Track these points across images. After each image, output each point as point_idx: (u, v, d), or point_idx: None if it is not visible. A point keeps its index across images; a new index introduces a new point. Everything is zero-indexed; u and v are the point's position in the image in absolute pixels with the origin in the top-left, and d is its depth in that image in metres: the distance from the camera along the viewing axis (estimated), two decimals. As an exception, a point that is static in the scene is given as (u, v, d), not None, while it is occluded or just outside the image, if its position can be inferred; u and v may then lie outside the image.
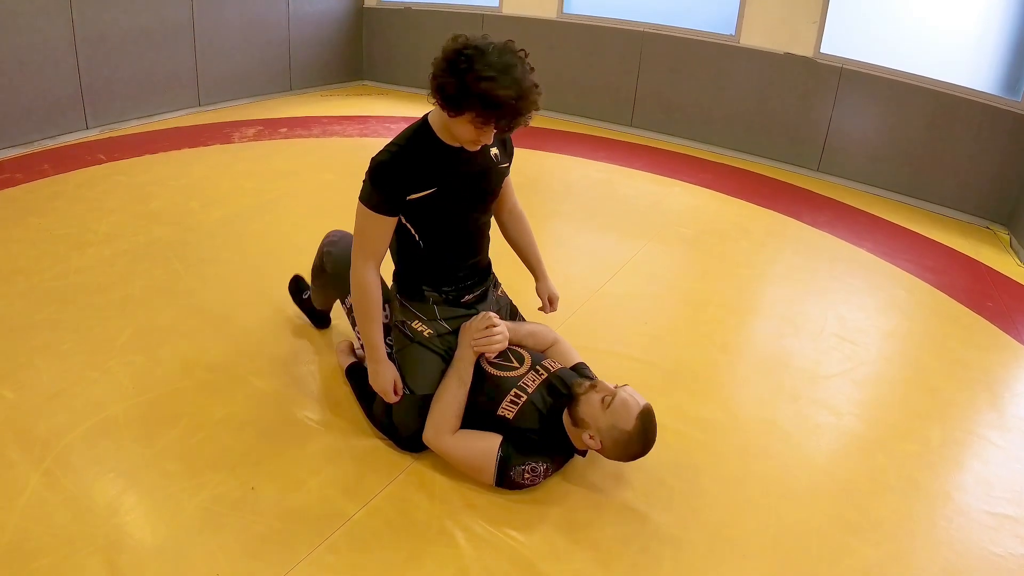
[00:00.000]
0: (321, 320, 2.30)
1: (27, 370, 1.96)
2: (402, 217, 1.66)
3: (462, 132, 1.53)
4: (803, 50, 4.55)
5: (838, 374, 2.35)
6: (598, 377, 1.82)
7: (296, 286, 2.32)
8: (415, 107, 5.56)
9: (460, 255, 1.78)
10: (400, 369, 1.75)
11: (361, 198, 1.62)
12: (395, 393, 1.71)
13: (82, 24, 4.01)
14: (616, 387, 1.62)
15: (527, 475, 1.61)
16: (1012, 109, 3.93)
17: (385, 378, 1.70)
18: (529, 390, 1.68)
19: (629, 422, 1.56)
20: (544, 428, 1.65)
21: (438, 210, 1.65)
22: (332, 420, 1.88)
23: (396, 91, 6.14)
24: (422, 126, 1.63)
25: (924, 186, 4.32)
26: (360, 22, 6.12)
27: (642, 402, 1.60)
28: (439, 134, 1.61)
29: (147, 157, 3.85)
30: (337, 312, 2.26)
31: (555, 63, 5.36)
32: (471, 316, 1.77)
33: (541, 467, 1.62)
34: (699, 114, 5.01)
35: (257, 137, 4.39)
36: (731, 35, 4.79)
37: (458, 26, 6.10)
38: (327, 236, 2.04)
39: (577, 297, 2.65)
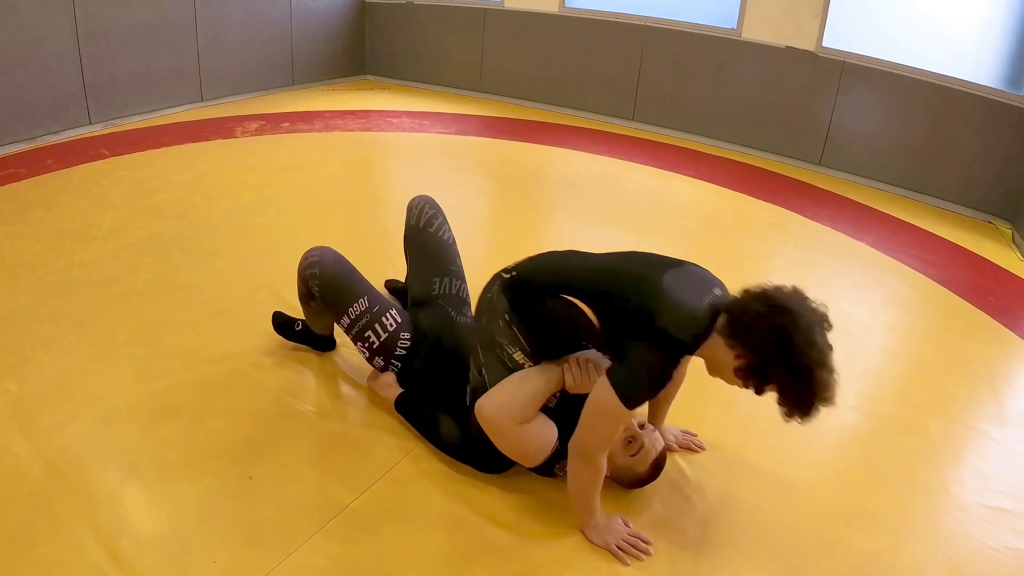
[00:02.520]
0: (325, 344, 2.12)
1: (31, 363, 1.99)
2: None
3: (729, 378, 1.38)
4: (805, 44, 4.53)
5: (838, 367, 2.35)
6: None
7: (280, 321, 2.13)
8: (417, 101, 5.57)
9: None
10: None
11: (622, 391, 1.36)
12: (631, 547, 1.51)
13: (85, 19, 4.03)
14: (643, 428, 1.59)
15: (564, 470, 1.58)
16: (1015, 103, 3.90)
17: (609, 530, 1.52)
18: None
19: (644, 467, 1.59)
20: (568, 425, 1.63)
21: None
22: (331, 412, 1.89)
23: (398, 85, 6.15)
24: (705, 331, 1.39)
25: (927, 180, 4.31)
26: (362, 17, 6.12)
27: (660, 446, 1.61)
28: (704, 347, 1.40)
29: (150, 152, 3.86)
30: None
31: (557, 57, 5.36)
32: (565, 353, 1.62)
33: None
34: (701, 108, 5.01)
35: (259, 132, 4.41)
36: (733, 29, 4.77)
37: (460, 20, 6.14)
38: (304, 258, 1.86)
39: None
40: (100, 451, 1.68)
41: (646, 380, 1.37)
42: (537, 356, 1.60)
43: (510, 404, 1.52)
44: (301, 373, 2.05)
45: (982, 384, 2.36)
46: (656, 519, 1.62)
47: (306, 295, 1.90)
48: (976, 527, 1.70)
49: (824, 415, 2.04)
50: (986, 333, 2.71)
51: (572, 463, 1.49)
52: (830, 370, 1.31)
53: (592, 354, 1.62)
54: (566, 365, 1.57)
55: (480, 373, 1.63)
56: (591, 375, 1.56)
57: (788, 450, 1.92)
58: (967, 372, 2.43)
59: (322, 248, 1.87)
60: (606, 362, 1.55)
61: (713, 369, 1.45)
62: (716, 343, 1.39)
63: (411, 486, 1.65)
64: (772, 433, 1.98)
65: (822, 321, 1.34)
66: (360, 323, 1.81)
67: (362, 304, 1.81)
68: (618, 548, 1.50)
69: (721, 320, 1.39)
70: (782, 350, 1.29)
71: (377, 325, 1.81)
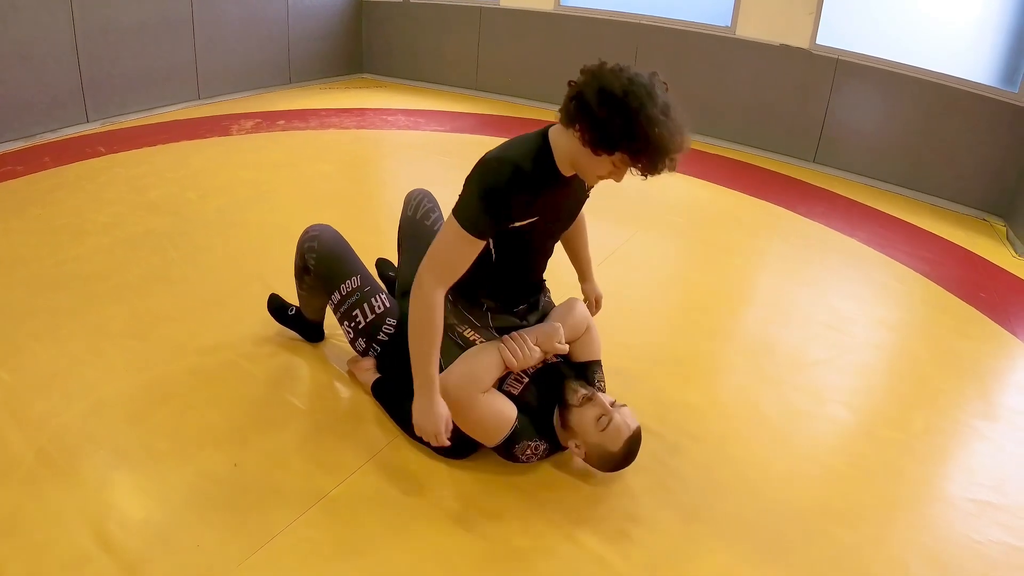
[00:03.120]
0: (314, 333, 2.16)
1: (25, 353, 2.02)
2: None
3: (595, 169, 1.43)
4: (799, 41, 4.55)
5: (823, 361, 2.37)
6: (603, 381, 1.85)
7: (276, 305, 2.17)
8: (413, 99, 5.60)
9: (527, 272, 1.75)
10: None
11: (461, 218, 1.44)
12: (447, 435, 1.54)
13: (83, 18, 4.06)
14: (614, 405, 1.62)
15: (528, 452, 1.64)
16: (1010, 101, 3.92)
17: (438, 416, 1.51)
18: (531, 372, 1.71)
19: (617, 444, 1.60)
20: (540, 412, 1.68)
21: (526, 235, 1.57)
22: (316, 402, 1.92)
23: (395, 84, 6.18)
24: (542, 148, 1.48)
25: (921, 178, 4.32)
26: (359, 15, 6.15)
27: (633, 425, 1.62)
28: (558, 161, 1.48)
29: (146, 149, 3.90)
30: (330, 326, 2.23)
31: (552, 55, 5.37)
32: (522, 327, 1.72)
33: (542, 447, 1.66)
34: (695, 105, 4.97)
35: (255, 129, 4.44)
36: (727, 27, 4.80)
37: (456, 19, 6.16)
38: (305, 232, 1.90)
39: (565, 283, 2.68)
40: (91, 439, 1.71)
41: (477, 203, 1.43)
42: (484, 326, 1.70)
43: (468, 374, 1.58)
44: (289, 364, 2.08)
45: (970, 379, 2.37)
46: (638, 510, 1.63)
47: (302, 269, 1.92)
48: (960, 520, 1.70)
49: (806, 407, 2.09)
50: (976, 329, 2.72)
51: (410, 299, 1.51)
52: (661, 112, 1.33)
53: (533, 328, 1.70)
54: (500, 345, 1.64)
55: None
56: (526, 347, 1.62)
57: (772, 442, 1.93)
58: (955, 367, 2.44)
59: (323, 225, 1.92)
60: (548, 331, 1.66)
61: (578, 167, 1.48)
62: (560, 142, 1.47)
63: (390, 473, 1.67)
64: (755, 425, 2.00)
65: (649, 76, 1.37)
66: (350, 300, 1.85)
67: (354, 282, 1.85)
68: (424, 438, 1.55)
69: (556, 121, 1.46)
70: (602, 98, 1.32)
71: (366, 305, 1.84)
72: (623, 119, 1.32)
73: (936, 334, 2.68)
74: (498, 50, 5.71)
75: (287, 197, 3.37)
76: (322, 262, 1.86)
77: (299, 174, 3.70)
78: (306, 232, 1.91)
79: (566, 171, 1.50)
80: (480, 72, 5.85)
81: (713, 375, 2.27)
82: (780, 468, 1.83)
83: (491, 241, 1.58)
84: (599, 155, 1.38)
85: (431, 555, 1.46)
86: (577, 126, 1.38)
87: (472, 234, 1.45)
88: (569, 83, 1.41)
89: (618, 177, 1.44)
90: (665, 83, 1.39)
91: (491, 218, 1.45)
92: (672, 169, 1.39)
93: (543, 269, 1.81)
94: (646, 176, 1.40)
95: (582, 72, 1.39)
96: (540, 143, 1.48)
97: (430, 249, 1.51)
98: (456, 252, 1.48)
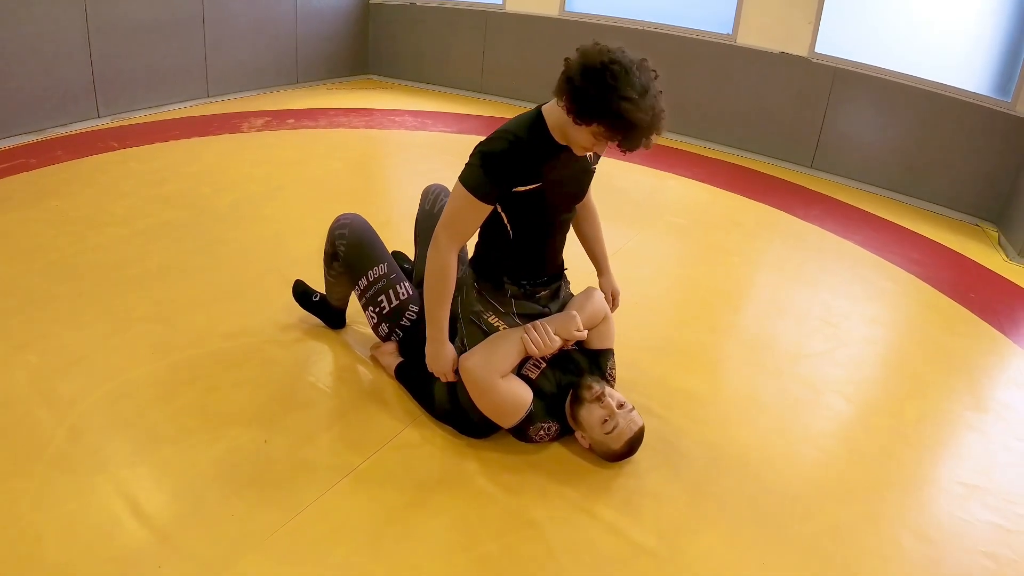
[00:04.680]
0: (337, 320, 2.23)
1: (50, 338, 2.07)
2: (498, 206, 1.68)
3: (579, 138, 1.54)
4: (798, 50, 4.66)
5: (819, 354, 2.45)
6: (615, 369, 1.92)
7: (300, 290, 2.24)
8: (420, 100, 5.68)
9: (544, 250, 1.82)
10: None
11: (465, 182, 1.60)
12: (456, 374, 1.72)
13: (95, 15, 4.12)
14: (622, 407, 1.70)
15: (541, 432, 1.73)
16: (1003, 110, 4.01)
17: (447, 358, 1.71)
18: (548, 358, 1.79)
19: (619, 444, 1.70)
20: (555, 397, 1.77)
21: (536, 205, 1.67)
22: (340, 385, 1.99)
23: (401, 85, 6.26)
24: (537, 119, 1.62)
25: (916, 184, 4.41)
26: (366, 17, 6.23)
27: (636, 427, 1.71)
28: (552, 131, 1.61)
29: (158, 145, 3.96)
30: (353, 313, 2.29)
31: (556, 60, 5.36)
32: (544, 315, 1.81)
33: (553, 428, 1.74)
34: (697, 111, 5.12)
35: (265, 127, 4.50)
36: (728, 34, 4.90)
37: (462, 23, 6.23)
38: (337, 220, 1.99)
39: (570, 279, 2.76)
40: (120, 417, 1.77)
41: (478, 168, 1.59)
42: (507, 312, 1.79)
43: (489, 357, 1.67)
44: (312, 349, 2.15)
45: (959, 374, 2.45)
46: (647, 486, 1.72)
47: (331, 255, 2.00)
48: (949, 501, 1.78)
49: (804, 395, 2.18)
50: (965, 327, 2.80)
51: (428, 254, 1.69)
52: (638, 92, 1.43)
53: (553, 317, 1.78)
54: (523, 334, 1.72)
55: (463, 343, 1.79)
56: (547, 335, 1.71)
57: (771, 427, 2.01)
58: (946, 362, 2.52)
59: (354, 214, 2.00)
60: (566, 319, 1.75)
61: (566, 137, 1.60)
62: (553, 114, 1.60)
63: (415, 450, 1.75)
64: (755, 411, 2.08)
65: (635, 58, 1.47)
66: (376, 286, 1.94)
67: (381, 269, 1.94)
68: (436, 375, 1.75)
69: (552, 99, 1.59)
70: (583, 71, 1.44)
71: (391, 291, 1.94)
72: (598, 91, 1.43)
73: (928, 331, 2.76)
74: (503, 54, 5.79)
75: (299, 193, 3.44)
76: (352, 249, 1.94)
77: (310, 171, 3.77)
78: (337, 220, 1.99)
79: (561, 140, 1.63)
80: (485, 75, 5.93)
81: (715, 365, 2.35)
82: (779, 450, 1.91)
83: (504, 215, 1.70)
84: (580, 125, 1.50)
85: (454, 524, 1.53)
86: (563, 98, 1.50)
87: (476, 196, 1.60)
88: (565, 59, 1.53)
89: (600, 149, 1.57)
90: (654, 71, 1.50)
91: (491, 180, 1.59)
92: (647, 147, 1.51)
93: (560, 249, 1.89)
94: (625, 151, 1.51)
95: (576, 50, 1.53)
96: (535, 116, 1.63)
97: (443, 212, 1.68)
98: (464, 214, 1.64)
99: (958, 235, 3.93)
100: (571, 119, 1.50)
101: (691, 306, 2.76)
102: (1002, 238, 3.90)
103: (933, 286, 3.16)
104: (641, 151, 1.51)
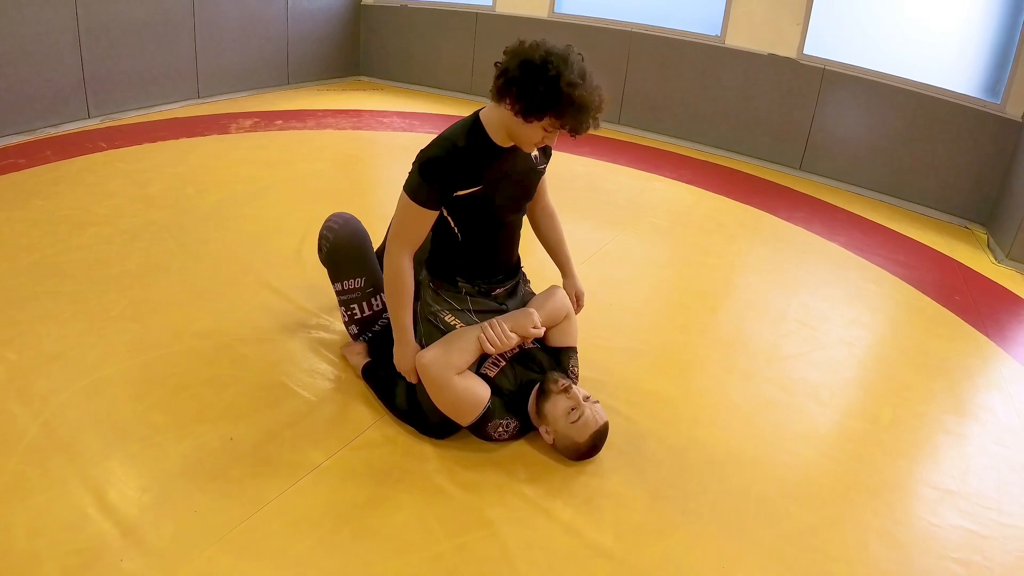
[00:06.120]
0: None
1: (29, 335, 2.10)
2: (444, 210, 1.72)
3: (529, 135, 1.58)
4: (787, 51, 4.68)
5: (795, 356, 2.46)
6: (578, 368, 1.94)
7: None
8: (409, 101, 5.70)
9: (495, 250, 1.85)
10: None
11: (407, 189, 1.66)
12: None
13: (86, 15, 4.15)
14: (586, 399, 1.72)
15: (500, 429, 1.75)
16: (992, 111, 4.02)
17: (412, 359, 1.74)
18: (507, 356, 1.82)
19: (583, 436, 1.70)
20: (515, 394, 1.79)
21: (480, 207, 1.71)
22: (308, 384, 2.01)
23: (391, 86, 6.29)
24: (474, 124, 1.67)
25: (905, 186, 4.43)
26: (357, 18, 6.26)
27: (601, 420, 1.72)
28: (491, 134, 1.65)
29: (146, 145, 3.99)
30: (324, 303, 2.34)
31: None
32: (501, 312, 1.83)
33: (512, 425, 1.76)
34: (685, 112, 5.15)
35: (253, 128, 4.53)
36: (717, 36, 4.92)
37: (452, 24, 6.25)
38: (328, 219, 2.01)
39: (547, 279, 2.78)
40: (92, 414, 1.79)
41: (417, 176, 1.64)
42: (464, 310, 1.82)
43: (445, 354, 1.69)
44: (283, 348, 2.17)
45: (939, 377, 2.43)
46: (608, 486, 1.72)
47: (318, 247, 2.05)
48: (920, 505, 1.77)
49: (776, 397, 2.19)
50: (948, 329, 2.80)
51: (383, 264, 1.75)
52: (579, 76, 1.49)
53: (510, 314, 1.80)
54: (479, 332, 1.74)
55: (423, 343, 1.82)
56: (503, 332, 1.72)
57: (741, 430, 2.02)
58: (925, 365, 2.50)
59: (346, 217, 2.01)
60: (523, 316, 1.77)
61: (514, 137, 1.64)
62: (492, 117, 1.64)
63: (377, 449, 1.77)
64: (726, 413, 2.09)
65: (565, 47, 1.53)
66: (352, 295, 1.98)
67: (359, 282, 1.97)
68: (403, 374, 1.80)
69: (489, 103, 1.65)
70: (524, 70, 1.49)
71: (365, 303, 1.98)
72: (546, 85, 1.48)
73: (908, 333, 2.77)
74: (493, 55, 5.77)
75: (282, 193, 3.46)
76: (334, 252, 1.98)
77: (295, 172, 3.80)
78: (328, 219, 2.02)
79: (503, 142, 1.67)
80: (475, 76, 5.96)
81: (687, 367, 2.35)
82: (747, 453, 1.90)
83: (451, 218, 1.73)
84: (530, 122, 1.53)
85: (409, 523, 1.55)
86: (508, 100, 1.53)
87: (417, 202, 1.66)
88: (495, 64, 1.57)
89: (551, 140, 1.62)
90: (580, 54, 1.55)
91: (430, 187, 1.64)
92: (596, 127, 1.56)
93: (513, 248, 1.92)
94: (575, 135, 1.56)
95: (505, 52, 1.56)
96: (472, 122, 1.68)
97: (391, 221, 1.74)
98: (409, 221, 1.70)
99: (947, 237, 3.94)
100: (519, 119, 1.54)
101: (666, 308, 2.77)
102: (991, 240, 3.91)
103: (917, 288, 3.16)
104: (589, 134, 1.56)
